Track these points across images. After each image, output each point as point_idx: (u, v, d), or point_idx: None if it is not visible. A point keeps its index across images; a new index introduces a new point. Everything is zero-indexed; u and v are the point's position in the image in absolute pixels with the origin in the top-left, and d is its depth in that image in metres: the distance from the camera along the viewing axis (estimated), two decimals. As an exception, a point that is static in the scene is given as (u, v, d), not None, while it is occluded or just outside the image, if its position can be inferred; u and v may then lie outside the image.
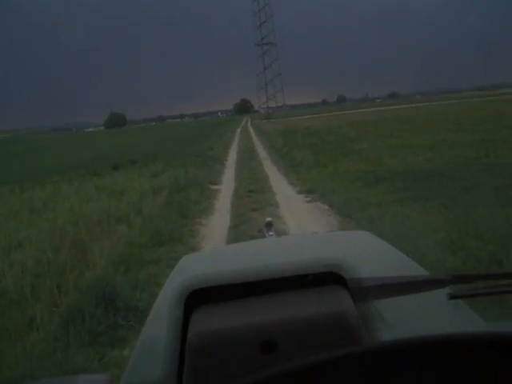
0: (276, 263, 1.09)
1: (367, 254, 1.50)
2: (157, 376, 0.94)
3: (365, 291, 1.02)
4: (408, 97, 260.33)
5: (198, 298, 1.02)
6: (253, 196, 10.59)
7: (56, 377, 3.11)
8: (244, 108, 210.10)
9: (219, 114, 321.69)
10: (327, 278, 1.04)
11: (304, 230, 7.20)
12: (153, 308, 1.29)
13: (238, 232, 7.29)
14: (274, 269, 1.04)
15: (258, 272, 1.04)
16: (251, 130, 58.29)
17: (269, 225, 2.72)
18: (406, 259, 1.43)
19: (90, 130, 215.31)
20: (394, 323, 0.99)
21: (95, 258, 6.19)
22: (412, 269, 1.34)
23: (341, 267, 1.04)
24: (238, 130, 57.64)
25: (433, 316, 1.08)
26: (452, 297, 1.03)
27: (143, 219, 8.75)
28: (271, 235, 2.59)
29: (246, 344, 0.90)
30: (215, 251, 2.28)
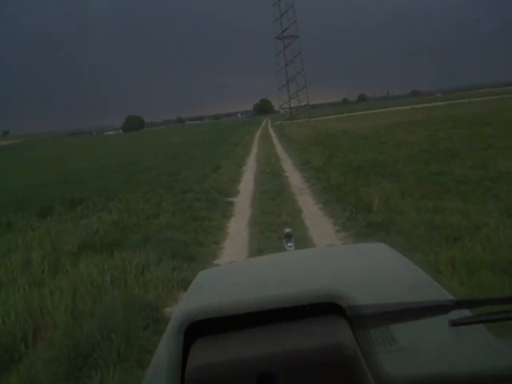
0: (277, 293, 1.02)
1: (381, 267, 1.46)
2: None
3: (364, 320, 0.98)
4: (429, 94, 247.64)
5: (198, 329, 0.97)
6: None
7: None
8: (264, 108, 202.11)
9: (239, 115, 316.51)
10: (327, 308, 0.98)
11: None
12: (165, 333, 1.26)
13: None
14: (274, 299, 0.99)
15: (259, 302, 0.99)
16: (273, 133, 49.66)
17: (288, 236, 2.59)
18: (421, 272, 1.39)
19: (110, 133, 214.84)
20: (395, 351, 1.01)
21: None
22: (425, 282, 1.33)
23: (340, 297, 0.98)
24: (257, 134, 49.42)
25: (435, 343, 1.07)
26: (454, 323, 1.03)
27: None
28: (290, 246, 2.52)
29: (243, 377, 0.88)
30: (231, 266, 2.20)
